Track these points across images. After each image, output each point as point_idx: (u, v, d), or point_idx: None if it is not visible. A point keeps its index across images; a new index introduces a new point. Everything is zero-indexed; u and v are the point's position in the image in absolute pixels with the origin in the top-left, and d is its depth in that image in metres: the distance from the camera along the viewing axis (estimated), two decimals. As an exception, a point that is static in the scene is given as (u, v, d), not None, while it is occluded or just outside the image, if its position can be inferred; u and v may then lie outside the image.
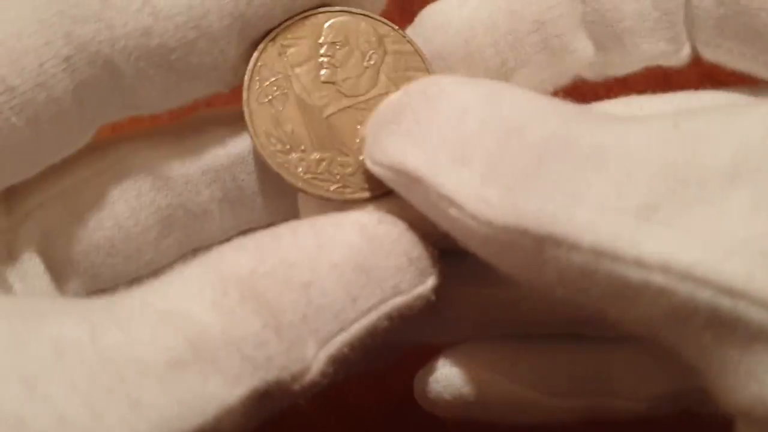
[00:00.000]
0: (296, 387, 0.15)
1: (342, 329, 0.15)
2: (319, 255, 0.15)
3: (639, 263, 0.13)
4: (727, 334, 0.13)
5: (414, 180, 0.16)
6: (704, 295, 0.12)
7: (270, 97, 0.18)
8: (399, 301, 0.16)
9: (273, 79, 0.18)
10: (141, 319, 0.14)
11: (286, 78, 0.18)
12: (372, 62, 0.19)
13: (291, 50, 0.18)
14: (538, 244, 0.14)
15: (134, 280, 0.20)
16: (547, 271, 0.14)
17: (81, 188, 0.19)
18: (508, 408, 0.19)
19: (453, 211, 0.15)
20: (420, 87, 0.17)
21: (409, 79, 0.18)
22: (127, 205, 0.19)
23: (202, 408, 0.13)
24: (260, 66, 0.18)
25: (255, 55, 0.18)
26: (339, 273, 0.15)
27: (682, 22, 0.19)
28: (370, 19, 0.19)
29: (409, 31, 0.20)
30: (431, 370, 0.19)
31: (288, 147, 0.18)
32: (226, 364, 0.14)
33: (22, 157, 0.18)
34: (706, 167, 0.13)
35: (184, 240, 0.21)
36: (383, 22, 0.19)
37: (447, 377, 0.19)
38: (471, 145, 0.15)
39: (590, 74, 0.21)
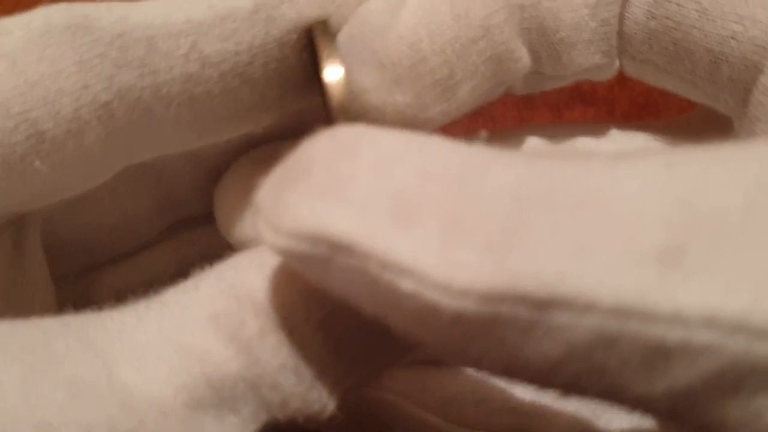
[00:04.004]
0: (312, 426, 0.14)
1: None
2: None
3: (678, 319, 0.10)
4: None
5: (341, 250, 0.12)
6: (764, 348, 0.10)
7: None
8: None
9: None
10: (158, 356, 0.13)
11: None
12: None
13: None
14: (539, 313, 0.11)
15: (127, 254, 0.21)
16: (546, 349, 0.11)
17: None
18: None
19: (406, 285, 0.11)
20: (328, 136, 0.13)
21: None
22: (128, 190, 0.19)
23: None
24: None
25: None
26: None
27: (616, 34, 0.19)
28: None
29: (344, 32, 0.18)
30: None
31: None
32: (243, 404, 0.13)
33: (39, 194, 0.17)
34: (720, 204, 0.11)
35: (175, 215, 0.21)
36: None
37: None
38: (413, 200, 0.12)
39: (522, 87, 0.20)
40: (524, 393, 0.19)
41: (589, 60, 0.19)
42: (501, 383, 0.19)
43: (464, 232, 0.11)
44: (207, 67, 0.16)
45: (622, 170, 0.12)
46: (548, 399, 0.19)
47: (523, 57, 0.19)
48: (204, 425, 0.13)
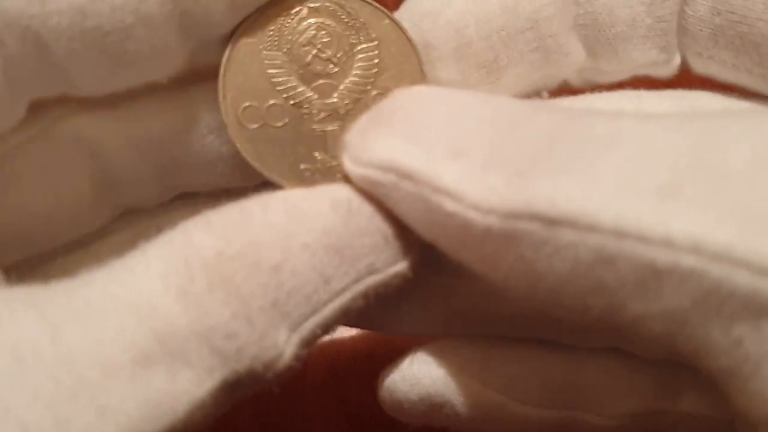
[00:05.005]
0: (269, 374, 0.14)
1: (315, 311, 0.15)
2: (289, 234, 0.15)
3: (667, 243, 0.12)
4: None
5: (405, 176, 0.15)
6: (742, 277, 0.11)
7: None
8: (373, 279, 0.15)
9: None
10: (104, 314, 0.13)
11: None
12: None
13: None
14: (550, 230, 0.13)
15: (73, 243, 0.20)
16: (556, 264, 0.13)
17: (13, 155, 0.18)
18: (476, 414, 0.18)
19: (449, 205, 0.14)
20: (411, 92, 0.16)
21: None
22: (60, 172, 0.19)
23: (172, 406, 0.13)
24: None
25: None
26: (310, 253, 0.15)
27: (675, 31, 0.19)
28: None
29: (396, 15, 0.19)
30: (398, 369, 0.18)
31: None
32: (195, 358, 0.13)
33: None
34: (727, 157, 0.12)
35: (121, 203, 0.20)
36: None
37: (415, 376, 0.18)
38: (469, 140, 0.14)
39: (578, 81, 0.20)
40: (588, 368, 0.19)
41: (646, 55, 0.19)
42: (563, 359, 0.19)
43: (501, 162, 0.14)
44: (97, 0, 0.16)
45: (646, 120, 0.13)
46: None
47: (573, 51, 0.19)
48: (153, 380, 0.13)
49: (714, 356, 0.12)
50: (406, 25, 0.18)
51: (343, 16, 0.18)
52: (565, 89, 0.20)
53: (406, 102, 0.16)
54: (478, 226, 0.13)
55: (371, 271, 0.15)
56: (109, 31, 0.16)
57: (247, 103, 0.18)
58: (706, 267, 0.12)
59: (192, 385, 0.13)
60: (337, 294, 0.15)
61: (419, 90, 0.17)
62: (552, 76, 0.20)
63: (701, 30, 0.19)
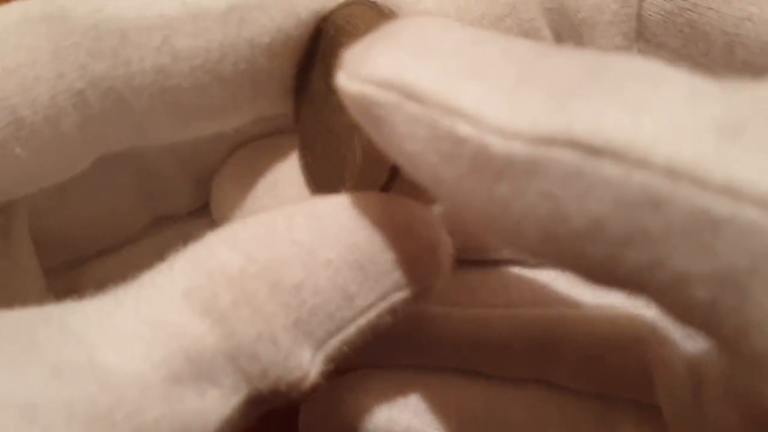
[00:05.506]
0: (294, 393, 0.14)
1: (339, 329, 0.15)
2: (312, 250, 0.15)
3: (728, 191, 0.10)
4: None
5: (411, 95, 0.13)
6: None
7: None
8: (400, 296, 0.15)
9: None
10: (135, 335, 0.13)
11: None
12: None
13: None
14: (591, 161, 0.11)
15: (112, 248, 0.21)
16: (589, 206, 0.11)
17: None
18: None
19: (463, 129, 0.12)
20: (424, 17, 0.14)
21: None
22: (107, 183, 0.19)
23: (202, 425, 0.13)
24: None
25: None
26: (333, 270, 0.15)
27: (636, 17, 0.19)
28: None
29: None
30: (315, 399, 0.19)
31: None
32: (222, 376, 0.14)
33: (20, 181, 0.17)
34: None
35: (158, 211, 0.21)
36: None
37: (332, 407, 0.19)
38: (493, 63, 0.12)
39: None
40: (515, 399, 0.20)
41: (610, 41, 0.20)
42: (484, 390, 0.19)
43: (535, 83, 0.12)
44: (178, 61, 0.17)
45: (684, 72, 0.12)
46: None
47: (547, 36, 0.19)
48: (184, 399, 0.13)
49: (760, 339, 0.10)
50: None
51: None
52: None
53: (419, 23, 0.14)
54: (498, 153, 0.11)
55: (398, 287, 0.15)
56: (187, 88, 0.17)
57: None
58: None
59: (220, 403, 0.13)
60: (363, 311, 0.15)
61: (433, 17, 0.14)
62: None
63: (652, 15, 0.19)
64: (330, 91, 0.17)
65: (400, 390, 0.19)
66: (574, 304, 0.20)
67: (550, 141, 0.11)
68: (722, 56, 0.18)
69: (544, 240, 0.12)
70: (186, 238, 0.19)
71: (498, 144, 0.11)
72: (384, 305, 0.15)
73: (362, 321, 0.15)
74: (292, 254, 0.14)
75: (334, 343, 0.15)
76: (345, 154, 0.17)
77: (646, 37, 0.19)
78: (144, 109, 0.17)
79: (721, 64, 0.18)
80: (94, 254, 0.21)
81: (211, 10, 0.17)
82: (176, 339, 0.13)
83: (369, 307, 0.15)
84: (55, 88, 0.16)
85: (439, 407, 0.19)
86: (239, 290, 0.14)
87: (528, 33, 0.19)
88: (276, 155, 0.20)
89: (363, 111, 0.14)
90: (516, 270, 0.21)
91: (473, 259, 0.21)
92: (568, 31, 0.19)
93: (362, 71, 0.13)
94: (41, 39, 0.16)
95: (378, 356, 0.19)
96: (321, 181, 0.19)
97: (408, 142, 0.13)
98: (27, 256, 0.19)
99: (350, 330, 0.15)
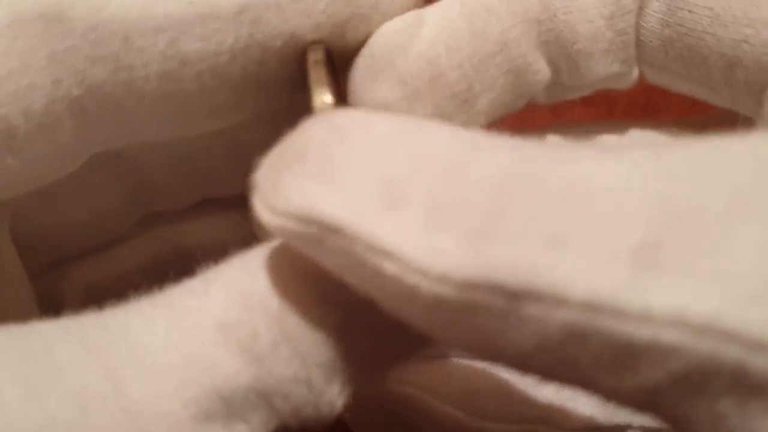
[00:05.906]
0: (319, 425, 0.14)
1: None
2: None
3: (646, 318, 0.10)
4: (756, 399, 0.10)
5: (331, 231, 0.12)
6: (730, 352, 0.10)
7: None
8: None
9: None
10: (166, 366, 0.13)
11: None
12: None
13: None
14: (512, 303, 0.11)
15: (96, 248, 0.21)
16: (520, 339, 0.11)
17: None
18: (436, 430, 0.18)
19: (389, 267, 0.12)
20: (325, 120, 0.13)
21: None
22: (97, 185, 0.19)
23: None
24: None
25: None
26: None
27: (635, 43, 0.19)
28: None
29: (365, 51, 0.19)
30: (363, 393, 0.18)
31: None
32: (252, 414, 0.13)
33: (8, 186, 0.17)
34: (703, 203, 0.11)
35: (148, 210, 0.21)
36: None
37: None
38: (402, 186, 0.12)
39: (544, 98, 0.21)
40: (546, 387, 0.19)
41: (608, 69, 0.20)
42: (523, 379, 0.19)
43: (447, 219, 0.12)
44: (184, 66, 0.16)
45: (610, 162, 0.12)
46: (569, 393, 0.18)
47: (542, 69, 0.20)
48: None
49: (695, 428, 0.11)
50: (376, 62, 0.18)
51: None
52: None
53: (320, 134, 0.13)
54: (426, 293, 0.11)
55: None
56: (192, 92, 0.16)
57: None
58: (688, 342, 0.10)
59: None
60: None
61: (334, 118, 0.13)
62: (521, 96, 0.20)
63: (652, 41, 0.19)
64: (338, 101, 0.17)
65: (443, 378, 0.19)
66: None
67: (473, 287, 0.11)
68: (723, 78, 0.18)
69: (486, 356, 0.13)
70: (176, 238, 0.19)
71: (424, 286, 0.11)
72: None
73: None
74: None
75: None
76: None
77: (648, 62, 0.19)
78: (144, 113, 0.16)
79: (723, 84, 0.18)
80: (78, 254, 0.20)
81: (221, 10, 0.16)
82: (209, 376, 0.13)
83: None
84: (51, 95, 0.15)
85: (481, 395, 0.19)
86: (279, 329, 0.13)
87: (520, 69, 0.19)
88: None
89: (291, 242, 0.13)
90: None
91: None
92: (565, 61, 0.19)
93: (277, 205, 0.13)
94: (35, 41, 0.15)
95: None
96: None
97: (343, 271, 0.13)
98: (10, 261, 0.18)
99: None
